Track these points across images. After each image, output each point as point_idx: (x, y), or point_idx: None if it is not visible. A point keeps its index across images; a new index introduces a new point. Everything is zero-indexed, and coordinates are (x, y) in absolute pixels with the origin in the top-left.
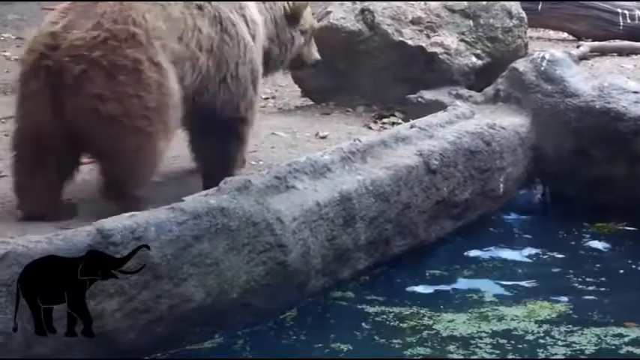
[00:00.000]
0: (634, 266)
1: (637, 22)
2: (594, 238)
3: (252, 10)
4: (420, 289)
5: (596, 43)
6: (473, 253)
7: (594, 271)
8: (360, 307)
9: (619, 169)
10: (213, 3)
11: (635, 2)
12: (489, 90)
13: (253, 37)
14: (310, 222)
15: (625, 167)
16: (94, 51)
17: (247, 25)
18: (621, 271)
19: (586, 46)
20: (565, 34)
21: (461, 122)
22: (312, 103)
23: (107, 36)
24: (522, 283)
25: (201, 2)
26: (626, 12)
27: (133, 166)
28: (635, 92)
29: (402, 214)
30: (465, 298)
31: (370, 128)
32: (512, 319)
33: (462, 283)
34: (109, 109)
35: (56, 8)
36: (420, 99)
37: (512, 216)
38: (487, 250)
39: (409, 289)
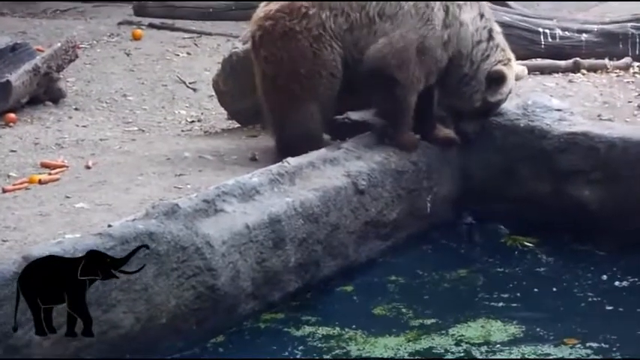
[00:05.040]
0: (564, 283)
1: (558, 40)
2: (522, 255)
3: (466, 11)
4: (352, 310)
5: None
6: (403, 272)
7: (521, 287)
8: (289, 329)
9: (544, 187)
10: None
11: (555, 22)
12: None
13: (446, 26)
14: (240, 245)
15: (550, 184)
16: (267, 21)
17: (446, 13)
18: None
19: None
20: None
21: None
22: (238, 125)
23: (278, 8)
24: (455, 301)
25: None
26: (547, 31)
27: (286, 123)
28: (559, 110)
29: (332, 235)
30: (398, 318)
31: None
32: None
33: (394, 303)
34: (269, 69)
35: None
36: (346, 120)
37: (441, 235)
38: (417, 270)
39: (340, 310)
